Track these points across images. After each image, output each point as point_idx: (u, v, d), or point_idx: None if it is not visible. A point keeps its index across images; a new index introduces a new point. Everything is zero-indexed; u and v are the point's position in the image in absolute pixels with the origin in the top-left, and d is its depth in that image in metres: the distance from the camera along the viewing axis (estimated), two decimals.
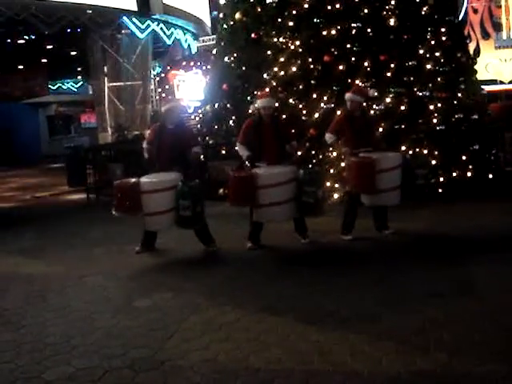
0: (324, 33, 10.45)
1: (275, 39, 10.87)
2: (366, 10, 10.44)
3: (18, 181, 18.89)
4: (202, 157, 9.63)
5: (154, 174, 7.25)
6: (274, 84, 10.58)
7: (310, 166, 9.18)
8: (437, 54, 10.59)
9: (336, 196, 9.40)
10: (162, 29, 19.47)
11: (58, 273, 6.85)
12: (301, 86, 10.45)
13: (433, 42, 10.64)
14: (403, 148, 9.37)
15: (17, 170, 22.10)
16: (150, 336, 4.72)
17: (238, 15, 11.66)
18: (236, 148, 7.44)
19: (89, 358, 4.36)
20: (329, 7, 10.50)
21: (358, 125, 7.34)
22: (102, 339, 4.72)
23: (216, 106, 11.97)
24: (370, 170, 7.04)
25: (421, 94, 10.41)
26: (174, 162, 7.15)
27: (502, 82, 23.15)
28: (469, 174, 9.92)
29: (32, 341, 4.77)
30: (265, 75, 10.84)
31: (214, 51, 13.14)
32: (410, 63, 10.41)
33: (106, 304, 5.63)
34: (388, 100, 10.08)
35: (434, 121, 10.11)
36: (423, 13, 10.79)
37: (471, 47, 19.54)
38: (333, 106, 9.97)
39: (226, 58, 11.92)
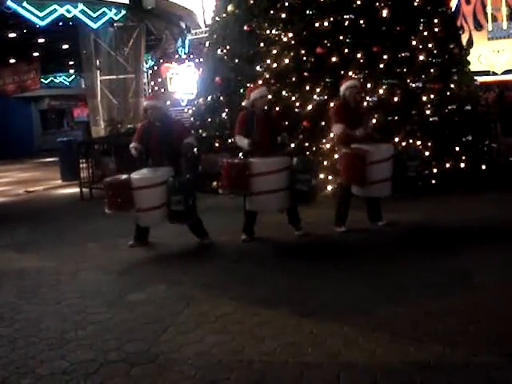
0: (317, 25, 10.43)
1: (268, 31, 10.84)
2: (358, 2, 10.42)
3: (10, 175, 18.84)
4: (195, 150, 9.60)
5: (145, 169, 7.23)
6: (267, 76, 10.57)
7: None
8: (430, 45, 10.58)
9: (329, 188, 9.41)
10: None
11: (51, 267, 6.83)
12: (294, 78, 10.44)
13: (426, 34, 10.63)
14: (396, 139, 9.39)
15: (9, 164, 22.03)
16: (144, 329, 4.72)
17: (230, 7, 11.63)
18: (235, 139, 7.31)
19: (83, 352, 4.35)
20: None
21: (352, 115, 7.32)
22: (96, 333, 4.71)
23: (209, 98, 11.94)
24: (361, 162, 7.02)
25: (414, 85, 10.40)
26: (165, 158, 7.12)
27: (494, 73, 23.18)
28: (462, 165, 9.94)
29: (26, 335, 4.75)
30: (258, 67, 10.82)
31: (207, 44, 13.09)
32: (403, 54, 10.40)
33: (100, 298, 5.61)
34: (381, 91, 10.09)
35: (427, 112, 10.12)
36: (416, 4, 10.78)
37: (464, 38, 19.52)
38: (326, 97, 9.96)
39: (218, 51, 11.89)
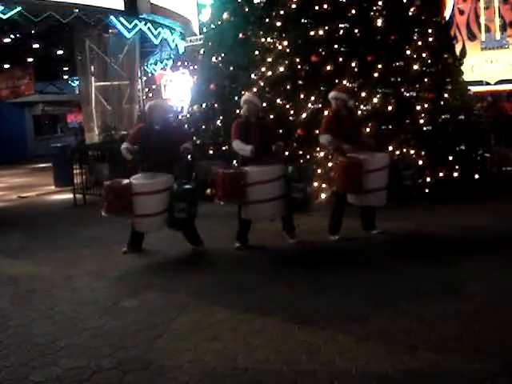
0: (312, 33, 10.47)
1: (263, 39, 10.88)
2: (353, 11, 10.47)
3: (3, 181, 18.76)
4: (189, 156, 9.61)
5: (144, 174, 7.21)
6: (262, 84, 10.59)
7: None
8: (424, 54, 10.64)
9: (323, 196, 9.42)
10: (149, 28, 19.36)
11: (44, 273, 6.81)
12: (288, 87, 10.47)
13: (420, 43, 10.69)
14: (390, 148, 9.42)
15: (2, 169, 21.93)
16: (137, 336, 4.71)
17: (225, 15, 11.66)
18: (233, 145, 7.24)
19: (76, 358, 4.34)
20: (316, 7, 10.52)
21: (346, 124, 7.35)
22: (89, 340, 4.69)
23: (203, 105, 11.95)
24: (357, 171, 7.04)
25: (408, 94, 10.46)
26: (162, 163, 7.11)
27: (488, 83, 23.33)
28: (455, 174, 9.98)
29: (19, 342, 4.74)
30: (252, 75, 10.84)
31: (202, 51, 13.12)
32: (397, 64, 10.45)
33: (94, 304, 5.60)
34: (375, 100, 10.12)
35: (421, 121, 10.16)
36: (410, 14, 10.84)
37: (457, 48, 19.67)
38: (320, 106, 10.00)
39: (213, 58, 11.91)
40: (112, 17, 17.60)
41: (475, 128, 11.01)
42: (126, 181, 7.00)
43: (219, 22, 11.94)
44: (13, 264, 7.41)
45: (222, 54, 11.67)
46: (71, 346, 4.57)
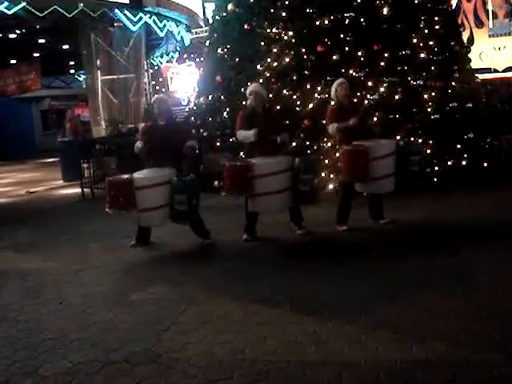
0: (317, 23, 10.43)
1: (268, 30, 10.86)
2: (359, 0, 10.40)
3: (12, 176, 18.85)
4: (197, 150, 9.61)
5: (148, 169, 7.23)
6: (268, 75, 10.56)
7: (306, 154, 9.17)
8: (430, 42, 10.58)
9: (331, 186, 9.40)
10: (154, 21, 19.35)
11: (53, 268, 6.83)
12: (294, 77, 10.45)
13: (426, 31, 10.63)
14: (398, 137, 9.37)
15: (11, 165, 22.03)
16: (146, 329, 4.71)
17: (230, 6, 11.63)
18: (237, 136, 7.29)
19: (86, 352, 4.35)
20: None
21: (349, 113, 7.31)
22: (98, 333, 4.71)
23: (210, 97, 11.94)
24: (363, 158, 7.01)
25: (415, 83, 10.40)
26: (167, 158, 7.11)
27: (496, 71, 23.15)
28: (464, 162, 9.92)
29: (28, 336, 4.75)
30: (258, 66, 10.82)
31: (207, 43, 13.10)
32: (404, 52, 10.40)
33: (102, 298, 5.61)
34: (382, 90, 10.07)
35: (429, 110, 10.10)
36: (416, 1, 10.77)
37: (465, 36, 19.53)
38: (327, 96, 9.95)
39: (219, 50, 11.90)
40: (117, 10, 17.52)
41: (483, 115, 10.92)
42: (127, 176, 7.00)
43: (224, 14, 11.91)
44: (22, 259, 7.44)
45: (228, 46, 11.65)
46: (80, 340, 4.58)
